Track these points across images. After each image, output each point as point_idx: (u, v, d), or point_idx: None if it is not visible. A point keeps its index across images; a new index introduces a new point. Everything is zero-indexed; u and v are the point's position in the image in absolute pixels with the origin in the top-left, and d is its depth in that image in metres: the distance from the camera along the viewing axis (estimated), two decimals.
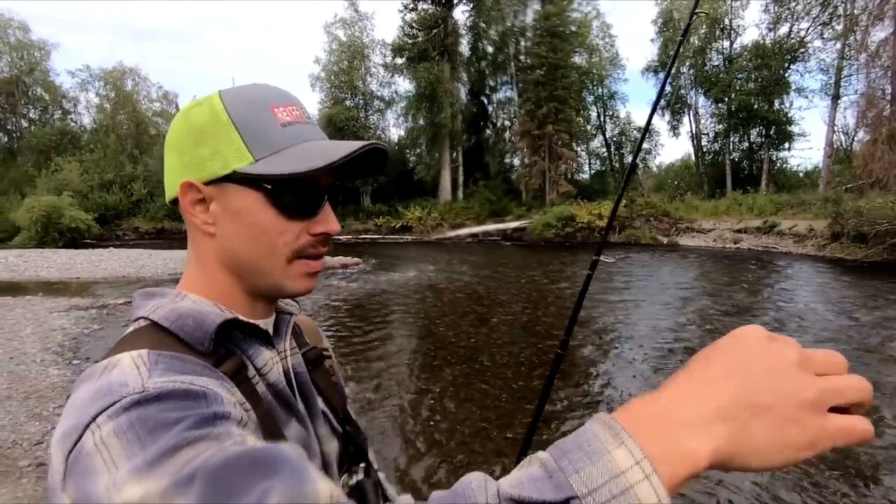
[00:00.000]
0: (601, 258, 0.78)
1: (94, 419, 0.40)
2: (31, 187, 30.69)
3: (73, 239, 25.08)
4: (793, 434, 0.34)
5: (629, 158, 36.53)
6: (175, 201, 0.61)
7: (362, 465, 0.68)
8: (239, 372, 0.54)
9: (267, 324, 0.64)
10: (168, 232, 30.19)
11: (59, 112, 40.40)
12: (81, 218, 26.15)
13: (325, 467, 0.62)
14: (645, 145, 35.81)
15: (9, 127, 39.37)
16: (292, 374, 0.63)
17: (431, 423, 4.48)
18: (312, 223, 0.60)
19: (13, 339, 6.89)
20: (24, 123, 39.37)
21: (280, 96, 0.60)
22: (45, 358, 6.06)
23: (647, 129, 0.89)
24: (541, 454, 0.36)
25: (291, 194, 0.57)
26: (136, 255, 17.86)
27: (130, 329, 0.56)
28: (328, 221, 0.61)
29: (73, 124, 39.58)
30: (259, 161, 0.56)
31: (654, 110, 0.99)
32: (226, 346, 0.57)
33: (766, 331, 0.38)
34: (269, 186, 0.56)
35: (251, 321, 0.59)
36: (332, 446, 0.66)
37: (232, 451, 0.38)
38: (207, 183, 0.57)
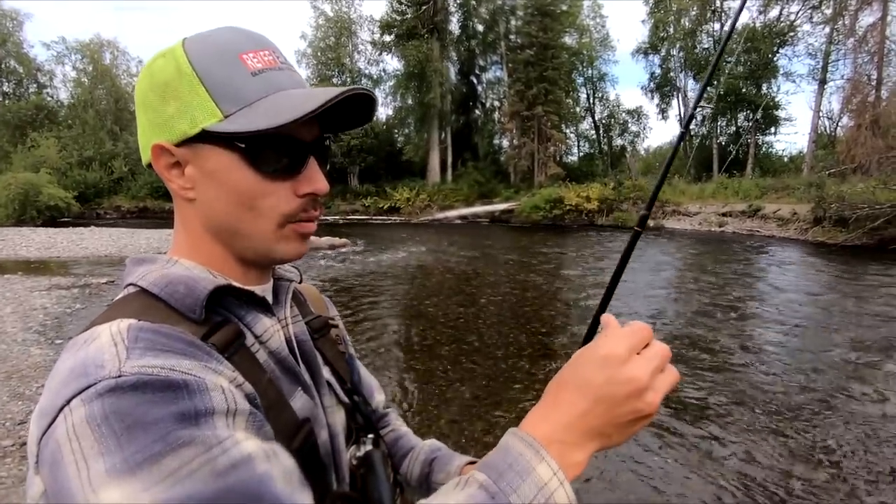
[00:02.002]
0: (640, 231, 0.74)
1: (68, 402, 0.38)
2: (7, 164, 29.79)
3: (53, 217, 24.52)
4: (642, 417, 0.46)
5: (618, 141, 36.60)
6: (151, 165, 0.56)
7: (371, 436, 0.66)
8: (234, 341, 0.51)
9: (264, 290, 0.61)
10: (150, 211, 29.63)
11: (35, 86, 38.96)
12: (60, 196, 25.50)
13: (332, 438, 0.60)
14: (633, 128, 35.89)
15: None
16: (294, 343, 0.60)
17: (420, 401, 4.51)
18: (297, 183, 0.55)
19: None
20: None
21: (250, 40, 0.54)
22: (26, 337, 5.94)
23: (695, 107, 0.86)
24: (478, 475, 0.43)
25: (269, 152, 0.52)
26: (118, 234, 17.52)
27: (120, 296, 0.53)
28: (313, 180, 0.55)
29: (49, 99, 38.25)
30: (228, 117, 0.51)
31: (702, 92, 0.95)
32: (221, 313, 0.53)
33: (601, 346, 0.47)
34: (243, 145, 0.51)
35: (246, 287, 0.56)
36: (339, 417, 0.64)
37: (221, 465, 0.37)
38: (179, 144, 0.53)
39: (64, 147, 31.85)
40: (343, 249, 14.94)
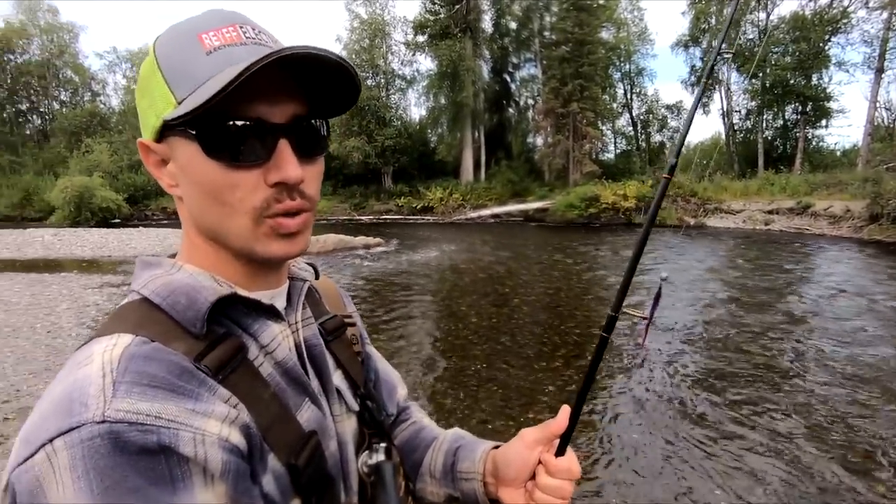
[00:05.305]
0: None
1: (51, 441, 0.37)
2: (64, 168, 31.56)
3: (105, 218, 25.89)
4: None
5: (656, 137, 35.59)
6: None
7: (383, 444, 0.63)
8: (233, 358, 0.48)
9: (274, 295, 0.58)
10: None
11: (89, 94, 41.30)
12: (112, 198, 26.87)
13: (340, 447, 0.58)
14: (673, 123, 34.74)
15: (42, 109, 40.57)
16: (304, 349, 0.58)
17: (452, 400, 4.50)
18: (267, 171, 0.49)
19: (50, 313, 7.16)
20: (56, 106, 40.41)
21: (217, 19, 0.50)
22: (80, 332, 6.28)
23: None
24: None
25: (227, 137, 0.47)
26: (165, 234, 18.31)
27: (124, 301, 0.51)
28: (282, 167, 0.49)
29: (102, 106, 40.41)
30: (182, 103, 0.47)
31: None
32: (225, 324, 0.51)
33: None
34: (194, 132, 0.47)
35: (250, 296, 0.53)
36: (348, 425, 0.61)
37: None
38: (159, 140, 0.51)
39: (115, 151, 33.44)
40: (377, 249, 15.10)
